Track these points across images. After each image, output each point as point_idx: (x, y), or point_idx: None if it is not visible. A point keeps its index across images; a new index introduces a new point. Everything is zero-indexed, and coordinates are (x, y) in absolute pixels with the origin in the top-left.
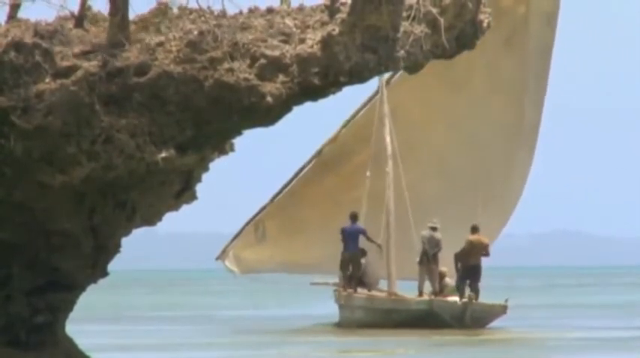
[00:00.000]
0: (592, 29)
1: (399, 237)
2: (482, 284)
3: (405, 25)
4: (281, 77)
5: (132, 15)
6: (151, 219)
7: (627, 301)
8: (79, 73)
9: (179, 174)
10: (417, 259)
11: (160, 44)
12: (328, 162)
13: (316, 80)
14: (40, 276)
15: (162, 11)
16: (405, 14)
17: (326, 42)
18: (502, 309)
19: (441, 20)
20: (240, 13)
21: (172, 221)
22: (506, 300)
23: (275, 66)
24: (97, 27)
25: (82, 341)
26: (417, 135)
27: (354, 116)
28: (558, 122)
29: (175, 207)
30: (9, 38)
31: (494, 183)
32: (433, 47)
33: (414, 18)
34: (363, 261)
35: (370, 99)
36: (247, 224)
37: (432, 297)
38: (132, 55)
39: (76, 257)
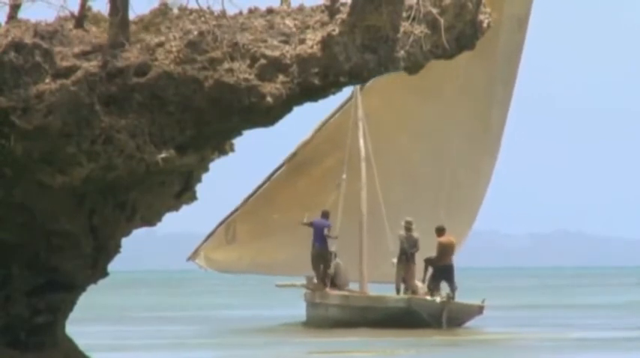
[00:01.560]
0: (593, 29)
1: (372, 239)
2: (484, 285)
3: (405, 26)
4: (281, 77)
5: (132, 15)
6: (151, 219)
7: (628, 301)
8: (79, 74)
9: (179, 174)
10: (394, 259)
11: (160, 44)
12: (300, 165)
13: (316, 80)
14: (40, 277)
15: (162, 11)
16: (405, 14)
17: (326, 42)
18: (479, 309)
19: (441, 20)
20: (240, 13)
21: (172, 221)
22: (483, 300)
23: (275, 66)
24: (97, 27)
25: (82, 342)
26: (386, 141)
27: (327, 120)
28: (559, 122)
29: (175, 207)
30: (9, 38)
31: (459, 188)
32: (433, 47)
33: (414, 18)
34: (336, 261)
35: (344, 103)
36: (219, 225)
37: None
38: (132, 56)
39: (75, 257)
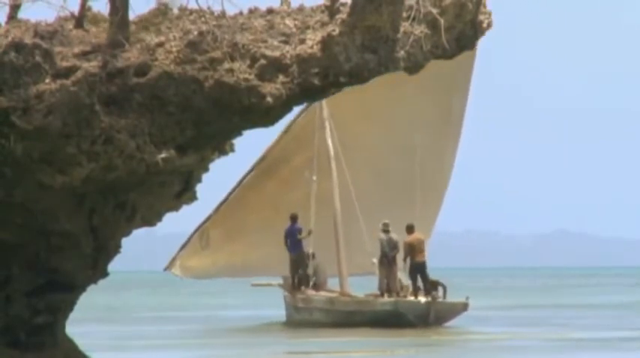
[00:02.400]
0: (593, 30)
1: (346, 234)
2: (484, 285)
3: (405, 26)
4: (281, 77)
5: (132, 15)
6: (151, 219)
7: (628, 301)
8: (79, 74)
9: (179, 174)
10: (375, 259)
11: (160, 44)
12: (269, 167)
13: (316, 81)
14: (40, 277)
15: (162, 12)
16: (405, 15)
17: (326, 42)
18: (463, 307)
19: (441, 21)
20: (240, 13)
21: (172, 221)
22: (467, 298)
23: (275, 66)
24: (97, 27)
25: (82, 342)
26: (352, 136)
27: (293, 121)
28: (560, 123)
29: (175, 207)
30: (9, 39)
31: (427, 177)
32: (433, 48)
33: (414, 18)
34: (315, 262)
35: (309, 104)
36: (193, 233)
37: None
38: (132, 56)
39: (76, 257)
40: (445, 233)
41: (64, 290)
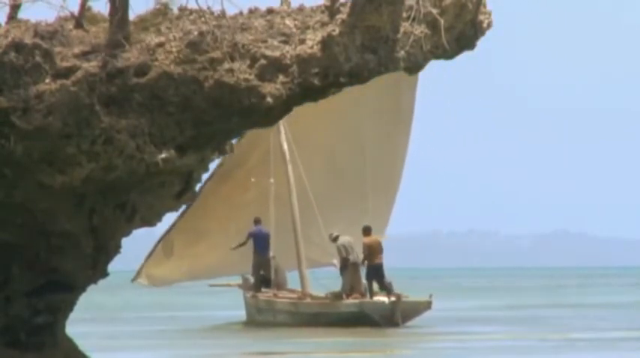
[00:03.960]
0: (594, 30)
1: (305, 233)
2: (485, 285)
3: (405, 26)
4: (281, 78)
5: (132, 15)
6: (151, 219)
7: (628, 301)
8: (79, 74)
9: (179, 174)
10: (335, 260)
11: (160, 45)
12: (226, 172)
13: (316, 81)
14: (40, 277)
15: (162, 12)
16: (405, 15)
17: (326, 42)
18: (427, 305)
19: (441, 21)
20: (240, 13)
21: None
22: (430, 296)
23: (275, 66)
24: (97, 27)
25: (82, 342)
26: (306, 136)
27: None
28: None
29: (175, 207)
30: (9, 39)
31: (380, 170)
32: (433, 48)
33: (414, 19)
34: (275, 263)
35: None
36: (158, 243)
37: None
38: (132, 56)
39: (76, 257)
40: (446, 233)
41: (64, 290)
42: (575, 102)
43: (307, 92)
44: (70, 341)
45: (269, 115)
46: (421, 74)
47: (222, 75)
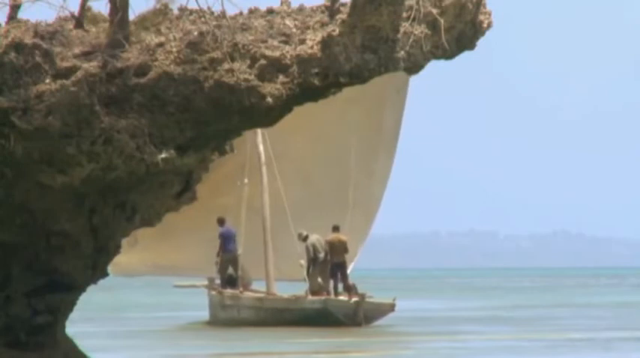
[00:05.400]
0: (594, 31)
1: (275, 240)
2: (484, 285)
3: (405, 26)
4: (281, 78)
5: (132, 15)
6: (151, 219)
7: (628, 301)
8: (79, 74)
9: (179, 174)
10: (302, 261)
11: (160, 45)
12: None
13: (316, 81)
14: (39, 277)
15: (162, 12)
16: (405, 15)
17: (326, 43)
18: (390, 307)
19: (441, 21)
20: (241, 13)
21: None
22: (394, 299)
23: (275, 66)
24: (97, 28)
25: (82, 342)
26: (283, 144)
27: None
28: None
29: (175, 207)
30: (9, 39)
31: (356, 189)
32: (433, 48)
33: (414, 19)
34: (240, 262)
35: None
36: None
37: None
38: (132, 56)
39: (76, 257)
40: (446, 233)
41: (63, 290)
42: (575, 102)
43: (307, 92)
44: (70, 341)
45: (269, 115)
46: (422, 73)
47: (222, 75)
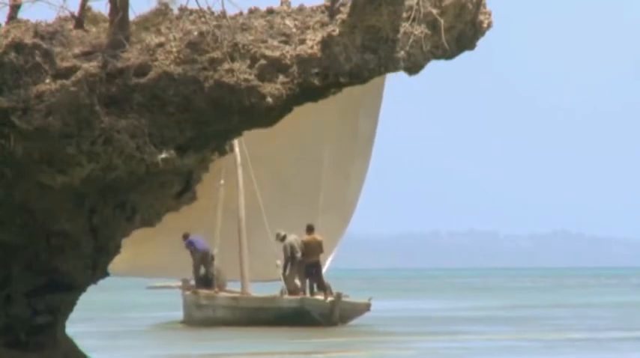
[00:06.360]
0: (594, 31)
1: (251, 241)
2: (484, 285)
3: (405, 26)
4: (281, 78)
5: (132, 15)
6: (151, 219)
7: (628, 301)
8: (79, 74)
9: (179, 174)
10: (279, 261)
11: (160, 45)
12: None
13: (316, 81)
14: (39, 277)
15: (162, 12)
16: (405, 15)
17: (326, 43)
18: (366, 307)
19: (441, 21)
20: (241, 13)
21: None
22: (370, 298)
23: (275, 67)
24: (98, 28)
25: (82, 342)
26: (257, 147)
27: None
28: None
29: (175, 207)
30: (9, 39)
31: (330, 193)
32: (433, 48)
33: (414, 19)
34: (216, 265)
35: None
36: None
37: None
38: (132, 56)
39: (76, 258)
40: (446, 233)
41: (63, 290)
42: (575, 103)
43: (307, 92)
44: (70, 341)
45: (269, 115)
46: (422, 73)
47: (222, 75)
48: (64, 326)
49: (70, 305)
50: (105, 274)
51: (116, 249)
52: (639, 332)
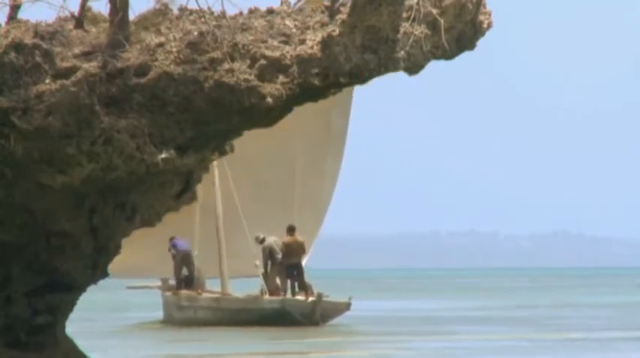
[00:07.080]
0: (594, 31)
1: (229, 239)
2: (484, 285)
3: (405, 26)
4: (281, 78)
5: (132, 15)
6: (151, 219)
7: (628, 301)
8: (79, 74)
9: (179, 174)
10: (258, 262)
11: (160, 45)
12: None
13: (316, 81)
14: (39, 277)
15: (162, 12)
16: (405, 15)
17: (326, 43)
18: (346, 306)
19: (441, 21)
20: (241, 13)
21: None
22: (350, 298)
23: (275, 67)
24: (98, 28)
25: (82, 342)
26: (235, 145)
27: None
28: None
29: (175, 207)
30: (9, 39)
31: (305, 189)
32: (433, 48)
33: (414, 19)
34: (196, 266)
35: None
36: None
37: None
38: (132, 56)
39: (76, 258)
40: (446, 233)
41: (63, 290)
42: (575, 103)
43: (307, 92)
44: (70, 341)
45: (269, 116)
46: (422, 73)
47: (222, 75)
48: (64, 326)
49: (70, 305)
50: (105, 274)
51: (116, 249)
52: (639, 332)
